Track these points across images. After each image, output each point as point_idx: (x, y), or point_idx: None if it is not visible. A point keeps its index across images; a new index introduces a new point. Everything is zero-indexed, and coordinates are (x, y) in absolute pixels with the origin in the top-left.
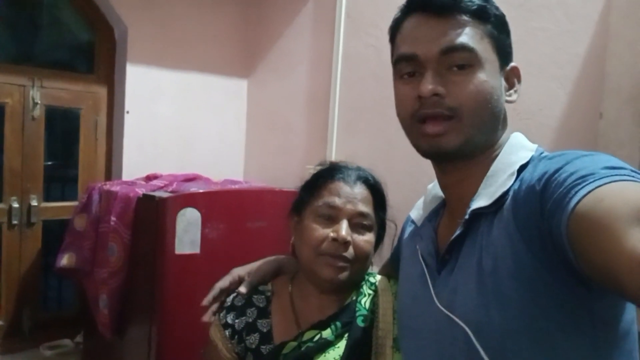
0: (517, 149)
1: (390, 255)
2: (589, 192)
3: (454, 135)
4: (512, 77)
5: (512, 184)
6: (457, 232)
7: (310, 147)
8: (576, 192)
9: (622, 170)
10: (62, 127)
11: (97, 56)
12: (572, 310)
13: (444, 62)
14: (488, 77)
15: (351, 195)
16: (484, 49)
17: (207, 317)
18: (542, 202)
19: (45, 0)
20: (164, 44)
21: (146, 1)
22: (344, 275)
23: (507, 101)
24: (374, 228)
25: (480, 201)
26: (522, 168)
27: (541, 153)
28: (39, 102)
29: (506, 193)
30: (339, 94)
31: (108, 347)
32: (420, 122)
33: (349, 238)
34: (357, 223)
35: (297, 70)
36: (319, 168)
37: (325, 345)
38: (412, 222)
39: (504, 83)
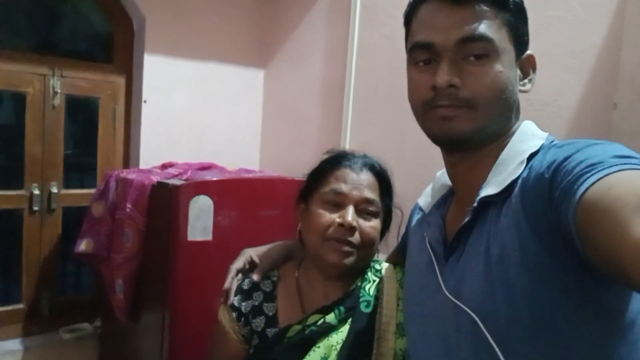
0: (527, 137)
1: (398, 243)
2: (597, 180)
3: (467, 121)
4: (527, 66)
5: (522, 172)
6: (466, 219)
7: (325, 137)
8: (584, 180)
9: (632, 159)
10: (82, 116)
11: (115, 46)
12: (578, 299)
13: (461, 51)
14: (504, 67)
15: (357, 181)
16: (502, 39)
17: (230, 300)
18: (551, 190)
19: None
20: (181, 34)
21: None
22: (349, 260)
23: (521, 91)
24: (379, 214)
25: (489, 189)
26: (532, 156)
27: (552, 141)
28: (59, 91)
29: (515, 181)
30: (354, 84)
31: (124, 331)
32: (433, 108)
33: (354, 223)
34: (363, 209)
35: (312, 61)
36: (326, 156)
37: (329, 329)
38: (420, 209)
39: (518, 72)
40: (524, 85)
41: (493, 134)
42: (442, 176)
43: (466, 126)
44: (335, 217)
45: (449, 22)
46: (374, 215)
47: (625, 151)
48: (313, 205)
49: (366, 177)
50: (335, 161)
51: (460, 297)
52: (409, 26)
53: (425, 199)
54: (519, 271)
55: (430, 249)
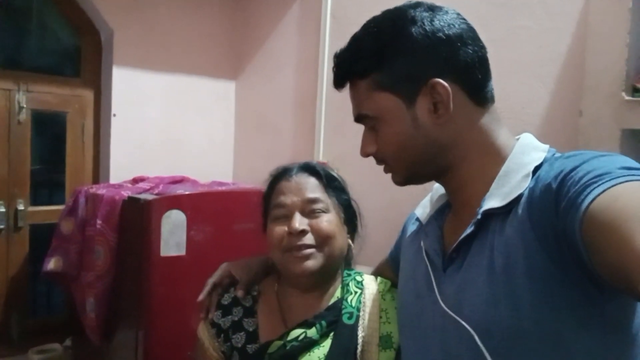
0: (529, 150)
1: (389, 254)
2: (604, 191)
3: (394, 174)
4: (433, 96)
5: (528, 185)
6: (468, 231)
7: (299, 148)
8: (591, 191)
9: (639, 170)
10: (49, 131)
11: (83, 60)
12: (584, 312)
13: (364, 125)
14: (392, 126)
15: (295, 188)
16: (378, 104)
17: (211, 315)
18: (557, 201)
19: (31, 5)
20: (151, 47)
21: (132, 4)
22: (312, 263)
23: (438, 123)
24: (330, 209)
25: (493, 201)
26: (536, 169)
27: (554, 154)
28: (25, 106)
29: (521, 194)
30: (326, 94)
31: (96, 351)
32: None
33: (300, 227)
34: (311, 210)
35: (284, 72)
36: (270, 178)
37: (310, 344)
38: (417, 219)
39: (421, 113)
40: (438, 117)
41: (436, 170)
42: (440, 187)
43: (396, 178)
44: (284, 228)
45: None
46: (323, 211)
47: (632, 163)
48: (268, 225)
49: (303, 180)
50: (274, 179)
51: (461, 309)
52: None
53: (422, 210)
54: (524, 282)
55: (427, 260)
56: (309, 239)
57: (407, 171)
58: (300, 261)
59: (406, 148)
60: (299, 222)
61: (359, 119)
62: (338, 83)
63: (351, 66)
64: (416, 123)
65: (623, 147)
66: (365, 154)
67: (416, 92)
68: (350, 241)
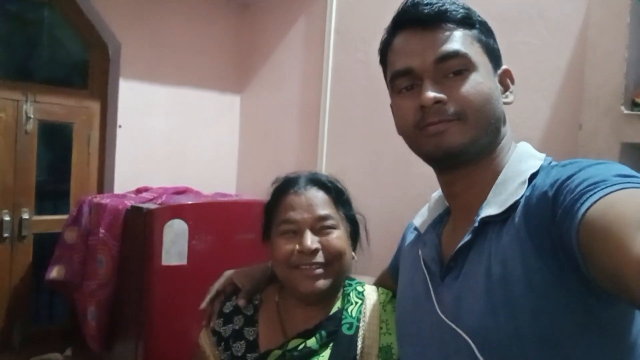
0: (526, 158)
1: (390, 264)
2: (600, 198)
3: (458, 134)
4: (505, 79)
5: (524, 192)
6: (465, 239)
7: (302, 161)
8: (587, 199)
9: (634, 178)
10: (55, 142)
11: (91, 72)
12: (581, 319)
13: (439, 70)
14: (484, 78)
15: (306, 203)
16: (476, 53)
17: (212, 323)
18: (554, 208)
19: (41, 18)
20: (157, 60)
21: (140, 18)
22: (322, 283)
23: (505, 103)
24: (339, 225)
25: (490, 209)
26: (532, 177)
27: (550, 162)
28: (32, 116)
29: (517, 201)
30: (329, 108)
31: None
32: (424, 127)
33: (314, 246)
34: (321, 227)
35: (289, 85)
36: (273, 187)
37: (310, 354)
38: (415, 229)
39: (498, 86)
40: (506, 97)
41: (485, 146)
42: (437, 196)
43: (458, 139)
44: (294, 246)
45: (423, 45)
46: (334, 227)
47: (628, 170)
48: (274, 239)
49: (313, 195)
50: (280, 191)
51: (459, 317)
52: (385, 62)
53: (421, 219)
54: (522, 290)
55: (424, 269)
56: (320, 257)
57: (479, 129)
58: (311, 280)
59: (491, 103)
60: (311, 240)
61: (450, 56)
62: (434, 14)
63: (465, 11)
64: (497, 91)
65: (622, 160)
66: (434, 98)
67: (497, 67)
68: (353, 252)
